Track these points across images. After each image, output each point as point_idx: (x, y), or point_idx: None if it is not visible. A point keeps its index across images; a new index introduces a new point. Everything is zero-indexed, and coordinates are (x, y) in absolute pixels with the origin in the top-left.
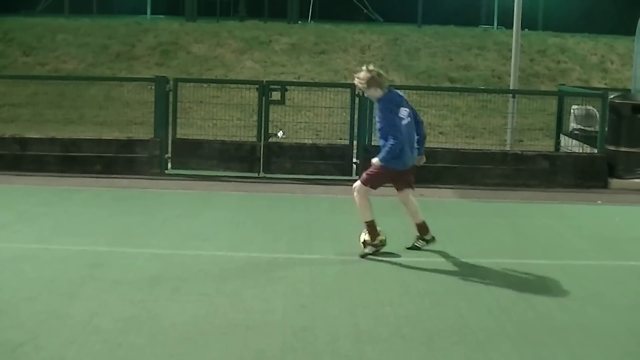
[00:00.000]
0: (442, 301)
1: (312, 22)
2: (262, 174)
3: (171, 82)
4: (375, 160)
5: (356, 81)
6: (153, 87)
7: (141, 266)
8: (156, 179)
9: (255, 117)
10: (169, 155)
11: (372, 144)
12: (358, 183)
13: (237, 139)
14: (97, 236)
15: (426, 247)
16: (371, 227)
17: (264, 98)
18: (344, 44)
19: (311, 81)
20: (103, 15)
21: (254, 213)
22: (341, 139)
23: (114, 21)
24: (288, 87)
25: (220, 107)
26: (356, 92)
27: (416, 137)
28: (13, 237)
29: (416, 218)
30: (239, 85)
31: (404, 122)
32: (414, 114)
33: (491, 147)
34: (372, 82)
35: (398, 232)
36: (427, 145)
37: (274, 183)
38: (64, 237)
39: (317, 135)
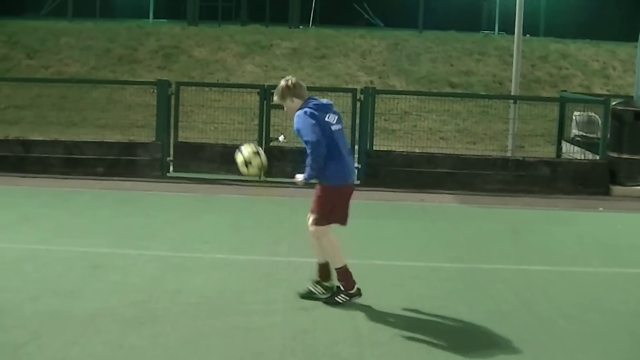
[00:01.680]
0: (442, 306)
1: (313, 26)
2: (262, 178)
3: (173, 86)
4: (299, 177)
5: (280, 98)
6: (155, 91)
7: (142, 268)
8: (158, 182)
9: (256, 121)
10: (171, 158)
11: (374, 148)
12: (313, 227)
13: (239, 143)
14: (99, 238)
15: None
16: (345, 273)
17: (265, 102)
18: (344, 49)
19: (312, 85)
20: (106, 19)
21: (254, 216)
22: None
23: (117, 25)
24: None
25: (222, 110)
26: (357, 97)
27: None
28: (16, 238)
29: (321, 258)
30: (240, 89)
31: (334, 127)
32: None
33: (492, 153)
34: (285, 92)
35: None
36: (427, 150)
37: (275, 186)
38: (66, 238)
39: None
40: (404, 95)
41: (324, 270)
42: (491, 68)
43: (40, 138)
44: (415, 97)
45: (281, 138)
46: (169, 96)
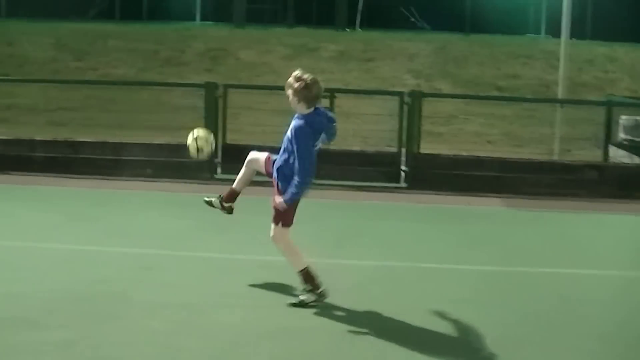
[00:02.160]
0: (487, 309)
1: (359, 29)
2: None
3: (220, 88)
4: (280, 201)
5: (288, 88)
6: (203, 93)
7: (192, 269)
8: (206, 184)
9: None
10: (219, 160)
11: (421, 151)
12: (274, 233)
13: None
14: (148, 239)
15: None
16: (308, 274)
17: None
18: (391, 52)
19: (359, 88)
20: (153, 21)
21: (302, 218)
22: (389, 146)
23: (164, 27)
24: (336, 94)
25: (269, 113)
26: (404, 100)
27: None
28: (65, 238)
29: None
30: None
31: (316, 148)
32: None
33: (538, 157)
34: (299, 91)
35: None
36: (474, 153)
37: (321, 189)
38: (115, 239)
39: (364, 142)
40: (450, 99)
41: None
42: (537, 71)
43: (89, 139)
44: (461, 100)
45: None
46: (216, 98)
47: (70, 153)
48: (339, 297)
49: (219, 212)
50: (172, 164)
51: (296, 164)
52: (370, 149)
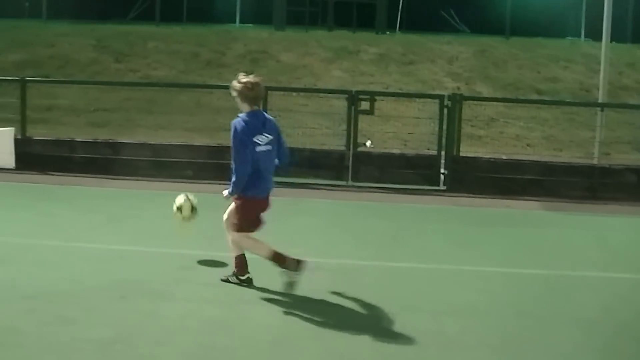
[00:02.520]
0: (528, 312)
1: (399, 32)
2: (350, 182)
3: None
4: (225, 192)
5: (233, 90)
6: None
7: (231, 270)
8: None
9: (343, 126)
10: None
11: (461, 154)
12: (233, 234)
13: (326, 148)
14: (187, 240)
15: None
16: (241, 261)
17: (352, 107)
18: (431, 55)
19: (400, 91)
20: (193, 23)
21: (341, 220)
22: (429, 149)
23: (204, 29)
24: (377, 97)
25: (309, 115)
26: (444, 104)
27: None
28: (105, 238)
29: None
30: (328, 94)
31: (260, 149)
32: (278, 145)
33: (578, 160)
34: (241, 91)
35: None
36: (513, 156)
37: (362, 191)
38: (154, 239)
39: (404, 144)
40: (490, 102)
41: (277, 258)
42: (578, 75)
43: (129, 141)
44: (501, 103)
45: (368, 143)
46: None
47: (110, 154)
48: (379, 298)
49: None
50: (212, 166)
51: (234, 164)
52: (410, 151)
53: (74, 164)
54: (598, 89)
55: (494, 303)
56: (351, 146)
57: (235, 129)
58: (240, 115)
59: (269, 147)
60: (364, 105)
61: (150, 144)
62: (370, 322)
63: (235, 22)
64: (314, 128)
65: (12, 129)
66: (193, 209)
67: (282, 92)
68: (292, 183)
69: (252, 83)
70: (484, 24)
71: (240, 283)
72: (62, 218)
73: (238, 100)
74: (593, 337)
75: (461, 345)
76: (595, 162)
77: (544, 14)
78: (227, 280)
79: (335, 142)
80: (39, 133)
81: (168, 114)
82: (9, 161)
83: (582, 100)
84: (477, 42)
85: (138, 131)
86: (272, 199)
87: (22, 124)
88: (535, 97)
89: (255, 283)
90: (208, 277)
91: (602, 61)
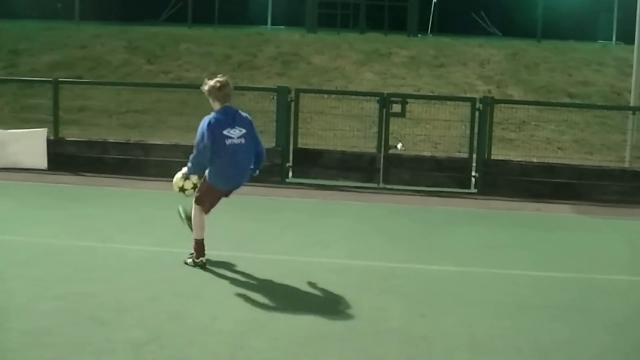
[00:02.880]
0: (558, 316)
1: (431, 35)
2: (381, 185)
3: (292, 92)
4: (184, 169)
5: (204, 89)
6: (275, 97)
7: (261, 272)
8: (277, 187)
9: (374, 129)
10: (290, 164)
11: (492, 157)
12: (194, 203)
13: (357, 150)
14: (219, 241)
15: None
16: (199, 245)
17: (384, 110)
18: (463, 58)
19: (431, 94)
20: (225, 25)
21: (373, 223)
22: (460, 152)
23: (236, 31)
24: (408, 100)
25: (340, 117)
26: (476, 106)
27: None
28: (137, 239)
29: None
30: (359, 97)
31: (230, 141)
32: (253, 139)
33: (609, 164)
34: (211, 91)
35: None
36: (545, 160)
37: (392, 194)
38: (185, 241)
39: (435, 147)
40: (522, 105)
41: (198, 247)
42: (609, 78)
43: (160, 142)
44: (533, 106)
45: (399, 146)
46: (288, 102)
47: (141, 155)
48: (408, 300)
49: (289, 215)
50: None
51: (194, 149)
52: (441, 154)
53: (106, 165)
54: (630, 93)
55: (523, 306)
56: (382, 149)
57: (205, 122)
58: (212, 111)
59: (241, 141)
60: (396, 107)
61: (181, 145)
62: (399, 324)
63: (267, 24)
64: (345, 130)
65: (45, 129)
66: (195, 186)
67: (313, 95)
68: (323, 185)
69: (220, 82)
70: (515, 27)
71: (195, 266)
72: (94, 219)
73: (210, 99)
74: (622, 341)
75: (490, 349)
76: (626, 165)
77: (575, 17)
78: (185, 262)
79: (366, 145)
80: (71, 134)
81: (199, 115)
82: (42, 162)
83: (614, 103)
84: (509, 45)
85: (169, 132)
86: (301, 200)
87: (54, 125)
88: (566, 100)
89: (284, 284)
90: (237, 277)
91: (634, 64)
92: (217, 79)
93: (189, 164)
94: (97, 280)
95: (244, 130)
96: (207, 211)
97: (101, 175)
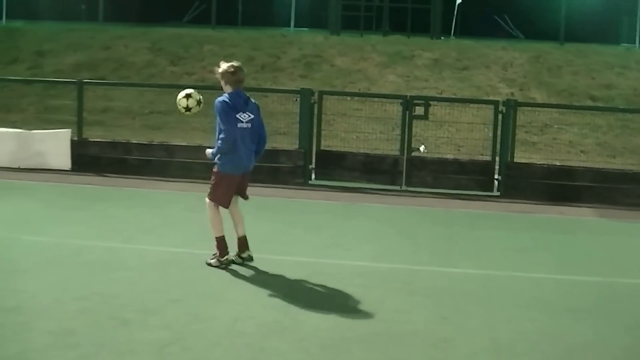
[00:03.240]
0: (581, 320)
1: (454, 37)
2: (404, 187)
3: (316, 94)
4: (208, 151)
5: (217, 73)
6: (298, 99)
7: (284, 273)
8: (300, 189)
9: (397, 131)
10: (313, 166)
11: (514, 160)
12: (207, 200)
13: (380, 152)
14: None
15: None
16: (220, 242)
17: (407, 112)
18: (486, 61)
19: (454, 97)
20: (248, 27)
21: (395, 225)
22: (482, 155)
23: (259, 33)
24: (431, 102)
25: (363, 120)
26: (499, 109)
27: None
28: (160, 241)
29: (239, 231)
30: (382, 99)
31: (240, 125)
32: (259, 125)
33: (632, 167)
34: (225, 75)
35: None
36: (567, 163)
37: (415, 196)
38: (208, 242)
39: (458, 150)
40: (544, 108)
41: (242, 242)
42: (632, 82)
43: (184, 143)
44: (556, 109)
45: (422, 148)
46: (311, 104)
47: (164, 156)
48: (431, 303)
49: (311, 217)
50: (266, 169)
51: (219, 134)
52: (463, 157)
53: (129, 166)
54: None
55: (546, 310)
56: (405, 151)
57: (220, 104)
58: (223, 94)
59: (249, 125)
60: (419, 110)
61: (204, 146)
62: (422, 327)
63: (290, 26)
64: (368, 133)
65: (69, 130)
66: (199, 102)
67: (336, 97)
68: (345, 187)
69: (234, 67)
70: (538, 29)
71: (221, 265)
72: (117, 220)
73: (222, 82)
74: None
75: (513, 352)
76: None
77: (598, 20)
78: (208, 264)
79: (389, 147)
80: (94, 135)
81: None
82: (65, 163)
83: (637, 106)
84: (532, 47)
85: (193, 134)
86: (324, 203)
87: (78, 125)
88: (589, 103)
89: (307, 286)
90: (259, 279)
91: None
92: (232, 63)
93: (219, 147)
94: (120, 281)
95: (252, 116)
96: (227, 204)
97: (124, 176)
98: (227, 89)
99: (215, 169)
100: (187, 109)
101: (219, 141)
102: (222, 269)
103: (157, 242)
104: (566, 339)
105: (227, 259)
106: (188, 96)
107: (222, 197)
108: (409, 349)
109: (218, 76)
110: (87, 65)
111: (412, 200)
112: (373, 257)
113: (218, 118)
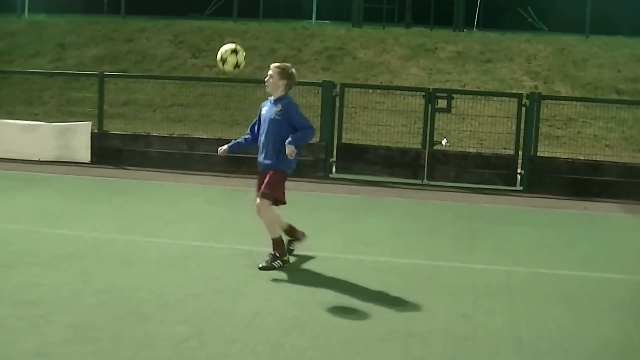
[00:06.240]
0: (606, 318)
1: (477, 30)
2: (425, 181)
3: (337, 87)
4: (290, 148)
5: (271, 71)
6: (319, 92)
7: (304, 268)
8: (320, 182)
9: (419, 124)
10: (334, 159)
11: (538, 154)
12: (259, 201)
13: (402, 146)
14: (259, 236)
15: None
16: (280, 243)
17: (430, 105)
18: (510, 53)
19: (477, 90)
20: (269, 20)
21: (417, 220)
22: (505, 149)
23: (281, 25)
24: (454, 95)
25: (385, 113)
26: (523, 103)
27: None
28: (180, 234)
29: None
30: (404, 92)
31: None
32: None
33: None
34: (287, 75)
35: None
36: (592, 157)
37: (437, 191)
38: (228, 236)
39: (481, 144)
40: (569, 102)
41: (290, 231)
42: None
43: (205, 136)
44: (580, 103)
45: (444, 142)
46: (333, 97)
47: (185, 149)
48: (453, 300)
49: (332, 212)
50: None
51: (299, 132)
52: (486, 151)
53: (150, 159)
54: None
55: (571, 308)
56: (427, 145)
57: (295, 106)
58: (282, 97)
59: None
60: (441, 103)
61: (226, 139)
62: (443, 324)
63: (311, 18)
64: (390, 126)
65: (89, 123)
66: (236, 65)
67: (358, 89)
68: (367, 181)
69: (294, 72)
70: (562, 22)
71: (284, 265)
72: (137, 213)
73: (279, 80)
74: None
75: (537, 350)
76: None
77: (624, 12)
78: (270, 267)
79: (411, 141)
80: (115, 127)
81: (244, 109)
82: (85, 155)
83: None
84: (556, 40)
85: (214, 127)
86: (345, 196)
87: (99, 118)
88: (614, 96)
89: (327, 281)
90: (279, 274)
91: None
92: (290, 66)
93: (301, 138)
94: (140, 275)
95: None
96: (284, 201)
97: (145, 169)
98: (282, 88)
99: (277, 169)
100: (237, 65)
101: (307, 132)
102: (241, 265)
103: (177, 236)
104: (591, 338)
105: (286, 259)
106: (234, 52)
107: (282, 195)
108: (430, 347)
109: (276, 71)
110: (109, 58)
111: (434, 195)
112: (394, 253)
113: (296, 118)
